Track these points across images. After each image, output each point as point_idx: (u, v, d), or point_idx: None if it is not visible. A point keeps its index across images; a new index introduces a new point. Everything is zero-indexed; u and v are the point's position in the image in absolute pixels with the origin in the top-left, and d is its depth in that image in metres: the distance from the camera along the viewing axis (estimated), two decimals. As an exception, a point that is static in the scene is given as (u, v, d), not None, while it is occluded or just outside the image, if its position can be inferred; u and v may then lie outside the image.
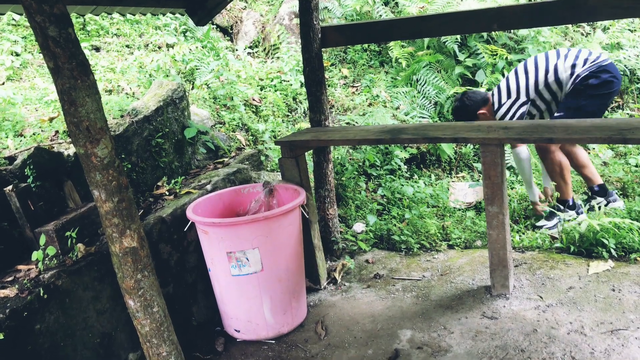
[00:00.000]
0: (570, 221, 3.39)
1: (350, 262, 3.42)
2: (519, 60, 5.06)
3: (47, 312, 2.10)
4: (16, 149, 2.69)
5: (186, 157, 3.55)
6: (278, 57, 5.90)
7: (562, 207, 3.62)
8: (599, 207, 3.46)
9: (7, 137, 2.83)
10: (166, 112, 3.36)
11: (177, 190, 3.11)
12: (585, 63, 3.43)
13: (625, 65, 4.84)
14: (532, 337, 2.48)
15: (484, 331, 2.58)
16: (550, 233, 3.52)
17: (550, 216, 3.64)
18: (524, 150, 3.64)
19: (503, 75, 4.96)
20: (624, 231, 3.17)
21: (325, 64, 3.59)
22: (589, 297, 2.74)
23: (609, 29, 5.28)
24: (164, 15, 5.60)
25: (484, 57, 5.04)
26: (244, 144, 4.27)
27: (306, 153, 3.28)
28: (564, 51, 3.54)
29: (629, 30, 5.21)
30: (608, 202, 3.63)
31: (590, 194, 3.72)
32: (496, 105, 3.65)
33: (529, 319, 2.62)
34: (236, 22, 6.61)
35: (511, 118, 3.57)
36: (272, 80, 5.28)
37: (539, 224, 3.64)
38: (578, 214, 3.60)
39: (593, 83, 3.37)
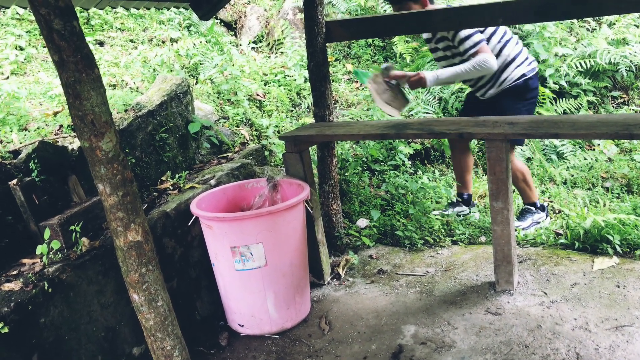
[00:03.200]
0: (542, 222, 3.62)
1: (354, 258, 3.42)
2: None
3: (52, 305, 2.10)
4: (20, 143, 2.69)
5: (190, 152, 3.55)
6: (282, 52, 5.88)
7: (533, 209, 3.70)
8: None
9: (11, 131, 2.83)
10: (170, 106, 3.35)
11: (181, 185, 3.10)
12: (530, 62, 3.47)
13: (631, 61, 4.82)
14: (537, 333, 2.47)
15: (488, 327, 2.58)
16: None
17: (522, 216, 3.71)
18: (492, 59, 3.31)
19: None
20: (629, 227, 3.16)
21: (329, 59, 3.57)
22: (594, 293, 2.73)
23: (614, 24, 5.24)
24: (168, 9, 5.59)
25: (488, 52, 5.00)
26: (248, 139, 4.26)
27: (310, 148, 3.27)
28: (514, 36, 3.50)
29: (635, 25, 5.17)
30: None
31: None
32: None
33: (533, 315, 2.62)
34: (240, 17, 6.60)
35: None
36: (276, 75, 5.26)
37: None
38: (547, 215, 3.69)
39: (533, 86, 3.46)
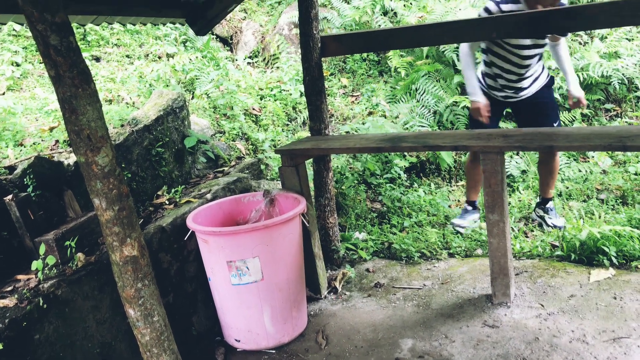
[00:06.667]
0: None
1: (350, 271, 3.41)
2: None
3: (47, 322, 2.09)
4: (16, 158, 2.69)
5: (186, 167, 3.55)
6: (278, 67, 5.92)
7: (546, 209, 3.72)
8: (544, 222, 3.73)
9: (7, 147, 2.83)
10: (166, 121, 3.36)
11: (177, 200, 3.10)
12: None
13: (623, 74, 4.86)
14: (534, 346, 2.47)
15: (486, 340, 2.57)
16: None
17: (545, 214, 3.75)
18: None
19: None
20: (624, 239, 3.16)
21: (324, 74, 3.60)
22: (591, 305, 2.73)
23: (606, 37, 5.31)
24: (164, 25, 5.64)
25: (482, 66, 5.05)
26: (244, 153, 4.27)
27: (306, 162, 3.28)
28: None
29: (627, 39, 5.23)
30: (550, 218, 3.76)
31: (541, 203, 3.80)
32: None
33: (531, 327, 2.61)
34: (236, 32, 6.65)
35: None
36: (271, 90, 5.29)
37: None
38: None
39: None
